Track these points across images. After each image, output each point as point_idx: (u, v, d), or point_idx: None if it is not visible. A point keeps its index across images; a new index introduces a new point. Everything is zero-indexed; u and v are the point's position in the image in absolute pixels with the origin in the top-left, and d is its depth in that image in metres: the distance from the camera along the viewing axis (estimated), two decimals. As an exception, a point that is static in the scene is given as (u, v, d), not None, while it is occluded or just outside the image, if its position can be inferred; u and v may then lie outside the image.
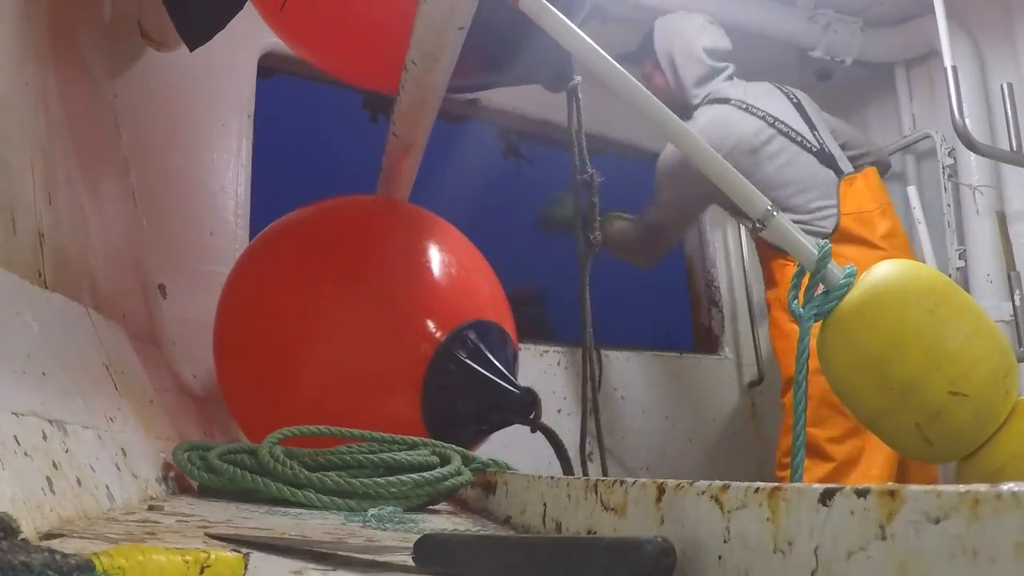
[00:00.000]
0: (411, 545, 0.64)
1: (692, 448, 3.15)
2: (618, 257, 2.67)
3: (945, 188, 2.84)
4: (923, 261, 2.74)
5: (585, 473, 2.31)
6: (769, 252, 2.39)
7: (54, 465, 0.79)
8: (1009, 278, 2.65)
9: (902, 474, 2.16)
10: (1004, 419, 1.04)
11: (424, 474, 1.25)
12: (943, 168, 2.85)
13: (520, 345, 2.03)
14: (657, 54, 2.55)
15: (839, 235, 2.24)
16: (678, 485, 0.56)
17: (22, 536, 0.44)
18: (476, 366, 1.76)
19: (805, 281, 1.16)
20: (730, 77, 2.51)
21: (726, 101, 2.41)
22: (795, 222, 2.26)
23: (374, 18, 1.66)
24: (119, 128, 2.01)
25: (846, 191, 2.33)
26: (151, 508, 0.99)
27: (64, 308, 1.14)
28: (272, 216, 2.03)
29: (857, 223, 2.29)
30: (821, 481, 2.11)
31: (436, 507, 1.29)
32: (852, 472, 2.13)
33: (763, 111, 2.39)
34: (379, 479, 1.22)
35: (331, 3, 1.69)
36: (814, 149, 2.39)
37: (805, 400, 1.14)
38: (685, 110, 2.43)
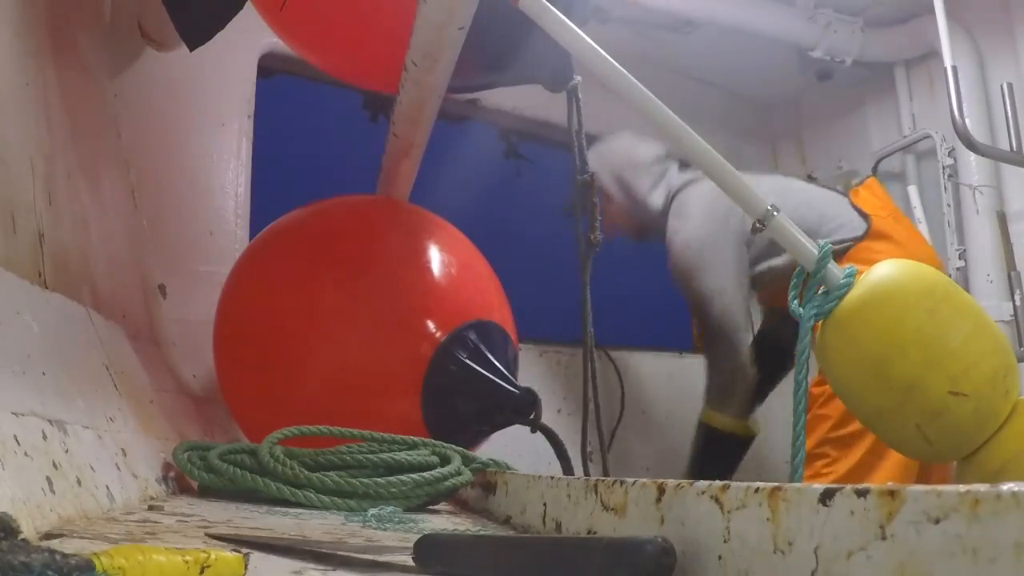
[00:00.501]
0: (411, 545, 0.64)
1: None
2: None
3: (945, 188, 2.84)
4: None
5: (586, 473, 2.31)
6: None
7: (54, 465, 0.79)
8: (1009, 278, 2.64)
9: (924, 469, 2.13)
10: (1004, 419, 1.04)
11: (424, 474, 1.25)
12: (943, 168, 2.85)
13: (520, 345, 2.03)
14: (602, 182, 2.45)
15: (872, 234, 2.22)
16: (678, 485, 0.56)
17: (22, 536, 0.44)
18: (476, 366, 1.75)
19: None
20: (679, 168, 2.50)
21: (696, 180, 2.40)
22: (825, 229, 2.26)
23: (374, 18, 1.66)
24: (119, 128, 2.01)
25: (856, 202, 2.32)
26: (151, 508, 0.99)
27: (64, 308, 1.14)
28: (272, 216, 2.04)
29: (880, 224, 2.27)
30: (849, 472, 2.09)
31: (436, 507, 1.29)
32: (880, 464, 2.11)
33: None
34: (379, 479, 1.22)
35: (331, 3, 1.69)
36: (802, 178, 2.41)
37: (806, 400, 1.14)
38: (653, 217, 2.41)
